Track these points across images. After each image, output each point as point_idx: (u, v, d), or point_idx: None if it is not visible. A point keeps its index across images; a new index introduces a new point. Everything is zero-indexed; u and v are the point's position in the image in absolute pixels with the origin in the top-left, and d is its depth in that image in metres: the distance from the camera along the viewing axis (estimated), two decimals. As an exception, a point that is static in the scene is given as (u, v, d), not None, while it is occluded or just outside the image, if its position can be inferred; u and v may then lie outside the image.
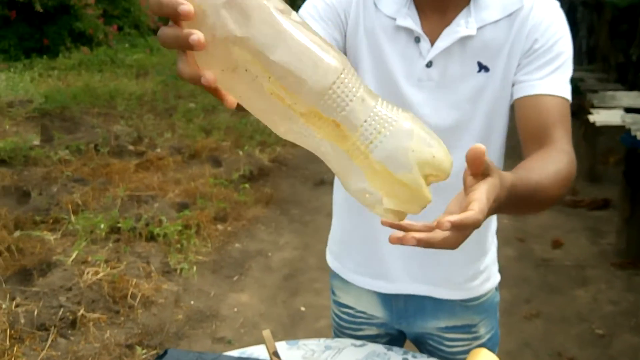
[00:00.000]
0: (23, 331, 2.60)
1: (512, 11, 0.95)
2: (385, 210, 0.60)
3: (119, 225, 3.58)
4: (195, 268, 3.33)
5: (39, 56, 8.32)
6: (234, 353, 1.13)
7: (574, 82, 1.00)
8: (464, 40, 0.96)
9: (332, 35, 1.00)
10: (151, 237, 3.55)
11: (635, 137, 3.06)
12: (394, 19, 0.99)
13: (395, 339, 1.22)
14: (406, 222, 0.68)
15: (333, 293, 1.26)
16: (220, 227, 3.89)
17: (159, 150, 5.19)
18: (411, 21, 0.97)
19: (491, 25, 0.96)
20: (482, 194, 0.64)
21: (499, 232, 1.19)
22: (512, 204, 0.73)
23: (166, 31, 0.53)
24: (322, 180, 4.75)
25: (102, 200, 4.03)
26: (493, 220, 1.14)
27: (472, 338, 1.14)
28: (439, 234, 0.65)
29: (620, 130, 3.30)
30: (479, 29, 0.96)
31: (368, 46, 1.01)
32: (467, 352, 1.11)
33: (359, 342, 1.17)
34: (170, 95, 6.98)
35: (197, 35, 0.50)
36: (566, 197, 4.36)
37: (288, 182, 4.85)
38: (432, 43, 0.97)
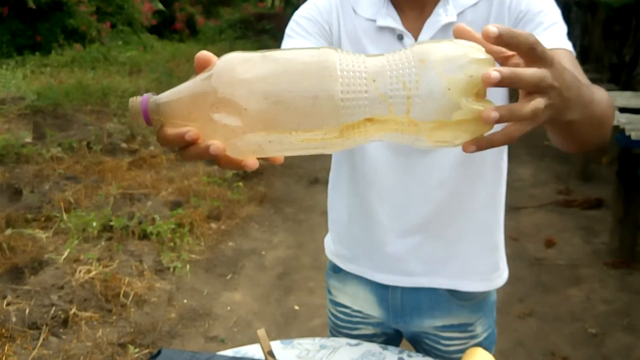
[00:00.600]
0: (14, 330, 2.58)
1: None
2: (462, 144, 0.57)
3: (112, 223, 3.56)
4: (188, 267, 3.31)
5: (32, 53, 8.25)
6: (229, 352, 1.12)
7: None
8: (446, 27, 0.97)
9: None
10: (144, 236, 3.53)
11: (629, 136, 3.07)
12: (374, 21, 1.01)
13: (391, 339, 1.22)
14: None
15: (329, 292, 1.25)
16: (213, 225, 3.88)
17: (152, 148, 5.17)
18: (391, 20, 0.99)
19: (470, 8, 0.97)
20: None
21: (493, 231, 1.18)
22: (576, 90, 0.63)
23: (189, 152, 0.57)
24: (317, 178, 4.74)
25: (95, 198, 4.01)
26: (501, 213, 1.13)
27: (468, 337, 1.14)
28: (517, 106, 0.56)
29: (614, 130, 3.31)
30: (459, 14, 0.97)
31: (353, 52, 1.00)
32: (463, 351, 1.10)
33: (354, 342, 1.16)
34: (164, 93, 6.94)
35: (215, 145, 0.55)
36: (559, 196, 4.37)
37: (282, 181, 4.84)
38: (416, 38, 0.98)
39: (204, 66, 0.57)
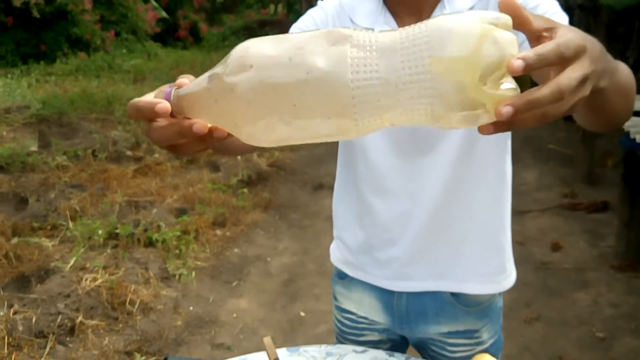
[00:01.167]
0: (21, 338, 2.58)
1: None
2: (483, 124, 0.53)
3: (117, 231, 3.57)
4: (194, 274, 3.32)
5: (36, 62, 8.31)
6: (235, 360, 1.12)
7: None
8: None
9: None
10: (149, 243, 3.54)
11: (634, 139, 3.06)
12: (372, 29, 0.99)
13: (397, 345, 1.22)
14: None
15: (335, 299, 1.25)
16: (218, 232, 3.88)
17: (157, 155, 5.19)
18: (389, 27, 0.99)
19: None
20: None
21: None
22: (609, 70, 0.62)
23: (165, 131, 0.62)
24: (321, 184, 4.74)
25: (100, 206, 4.02)
26: (507, 216, 1.13)
27: (474, 343, 1.13)
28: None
29: (619, 133, 3.30)
30: None
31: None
32: (469, 357, 1.10)
33: (360, 349, 1.16)
34: (168, 101, 6.96)
35: (198, 124, 0.59)
36: (565, 200, 4.36)
37: (286, 187, 4.84)
38: None
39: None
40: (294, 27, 1.06)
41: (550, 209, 4.23)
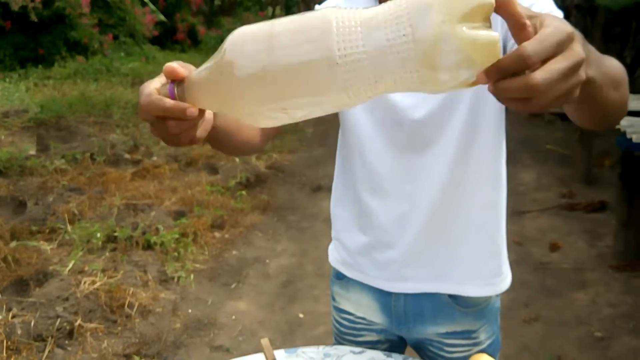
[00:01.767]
0: (20, 342, 2.58)
1: None
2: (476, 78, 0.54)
3: (116, 234, 3.57)
4: (192, 276, 3.32)
5: (34, 66, 8.31)
6: (233, 362, 1.12)
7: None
8: None
9: None
10: (148, 246, 3.54)
11: (630, 139, 3.07)
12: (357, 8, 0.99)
13: (395, 345, 1.22)
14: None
15: (333, 299, 1.25)
16: (217, 234, 3.88)
17: (155, 158, 5.19)
18: None
19: None
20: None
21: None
22: (594, 60, 0.63)
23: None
24: (319, 186, 4.75)
25: (99, 209, 4.02)
26: (503, 218, 1.13)
27: (472, 344, 1.13)
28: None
29: (616, 133, 3.31)
30: None
31: None
32: (467, 358, 1.10)
33: (357, 349, 1.16)
34: (166, 103, 6.96)
35: (191, 109, 0.65)
36: (563, 200, 4.37)
37: (285, 189, 4.85)
38: None
39: (171, 77, 0.67)
40: None
41: (548, 209, 4.24)
